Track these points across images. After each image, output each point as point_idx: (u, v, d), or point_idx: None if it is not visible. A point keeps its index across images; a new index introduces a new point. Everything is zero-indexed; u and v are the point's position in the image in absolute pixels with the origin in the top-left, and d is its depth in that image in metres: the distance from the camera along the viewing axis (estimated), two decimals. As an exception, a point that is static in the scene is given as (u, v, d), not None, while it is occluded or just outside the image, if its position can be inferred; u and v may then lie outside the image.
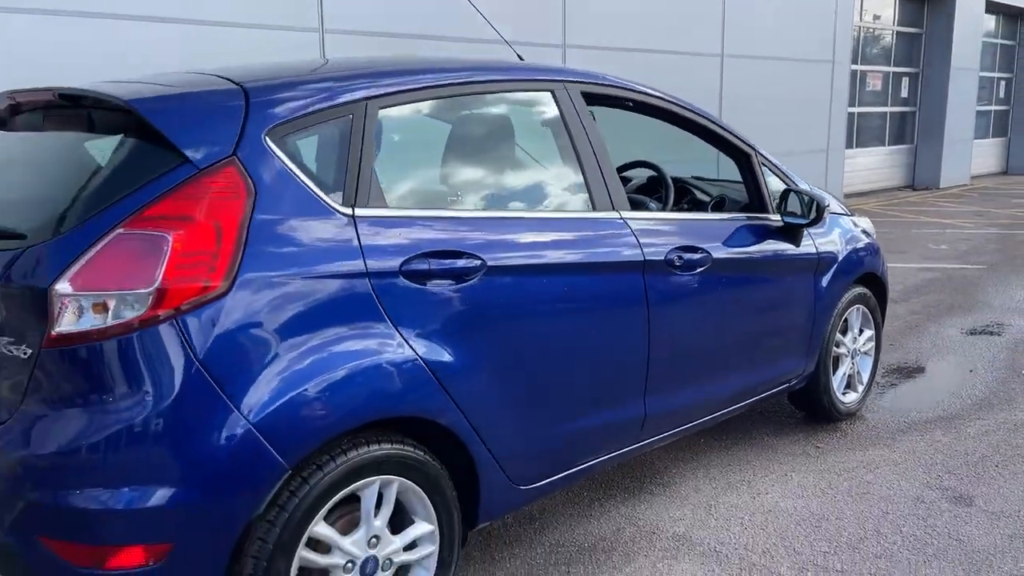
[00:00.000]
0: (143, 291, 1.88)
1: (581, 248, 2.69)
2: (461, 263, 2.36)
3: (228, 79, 2.26)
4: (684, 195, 3.79)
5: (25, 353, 1.92)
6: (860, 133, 14.68)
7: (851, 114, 13.67)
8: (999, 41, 18.27)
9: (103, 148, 2.16)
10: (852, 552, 2.87)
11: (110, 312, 1.88)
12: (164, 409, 1.89)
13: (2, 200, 2.25)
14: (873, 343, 4.25)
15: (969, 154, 16.69)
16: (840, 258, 3.84)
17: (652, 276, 2.87)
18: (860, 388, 4.20)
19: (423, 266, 2.28)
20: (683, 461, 3.65)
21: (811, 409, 4.04)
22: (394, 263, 2.23)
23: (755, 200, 3.55)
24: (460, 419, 2.36)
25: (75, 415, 1.89)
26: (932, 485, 3.38)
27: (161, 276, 1.89)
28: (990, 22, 17.54)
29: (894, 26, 15.07)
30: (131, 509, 1.87)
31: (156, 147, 2.03)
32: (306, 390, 2.03)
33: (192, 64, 5.97)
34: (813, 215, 3.43)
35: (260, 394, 1.97)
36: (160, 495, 1.88)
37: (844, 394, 4.09)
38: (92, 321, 1.88)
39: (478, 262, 2.39)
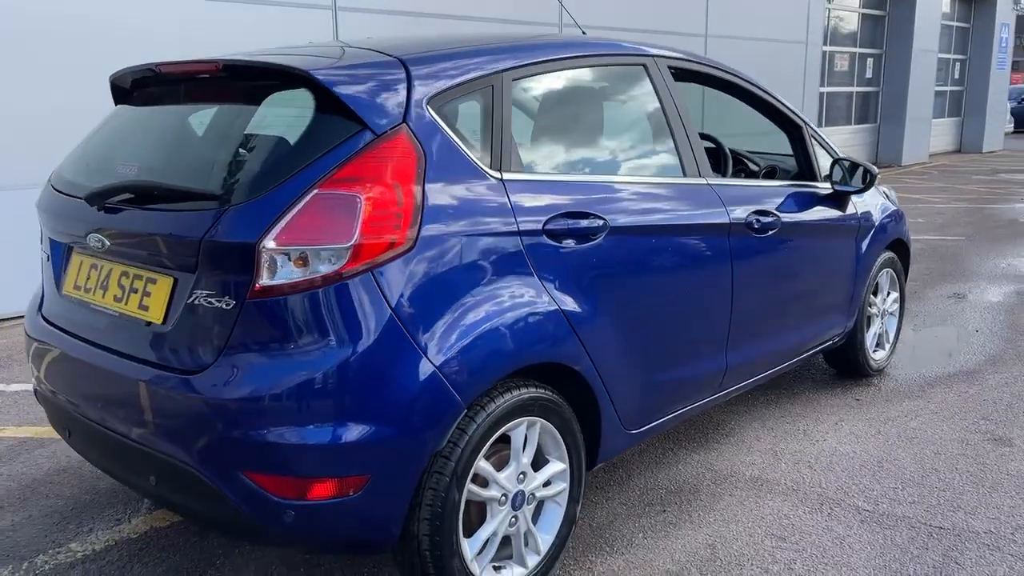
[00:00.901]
0: (342, 246, 2.04)
1: (680, 211, 2.92)
2: (588, 223, 2.56)
3: (380, 51, 2.43)
4: (736, 165, 4.03)
5: (228, 304, 2.08)
6: (828, 112, 15.14)
7: (820, 94, 14.10)
8: (955, 24, 18.90)
9: (273, 115, 2.31)
10: (918, 487, 3.16)
11: (310, 265, 2.05)
12: (363, 353, 2.06)
13: (179, 165, 2.38)
14: (898, 304, 4.57)
15: (928, 133, 17.32)
16: (876, 224, 4.13)
17: (735, 237, 3.11)
18: (887, 346, 4.51)
19: (560, 225, 2.48)
20: (738, 414, 3.91)
21: (845, 365, 4.33)
22: (538, 223, 2.42)
23: (805, 169, 3.80)
24: (590, 366, 2.57)
25: (280, 360, 2.06)
26: (971, 429, 3.69)
27: (358, 232, 2.05)
28: (946, 5, 18.14)
29: (860, 8, 15.53)
30: (336, 444, 2.04)
31: (333, 114, 2.19)
32: (478, 337, 2.22)
33: (208, 40, 6.06)
34: (863, 184, 3.70)
35: (441, 340, 2.16)
36: (361, 431, 2.06)
37: (875, 351, 4.39)
38: (293, 274, 2.04)
39: (601, 222, 2.59)
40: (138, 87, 2.72)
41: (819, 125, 14.37)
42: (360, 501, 2.10)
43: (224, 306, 2.09)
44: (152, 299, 2.25)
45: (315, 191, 2.07)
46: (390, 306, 2.09)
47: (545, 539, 2.55)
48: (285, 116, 2.29)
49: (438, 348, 2.15)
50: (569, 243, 2.51)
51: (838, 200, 3.81)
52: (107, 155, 2.59)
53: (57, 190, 2.62)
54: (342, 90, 2.18)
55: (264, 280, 2.04)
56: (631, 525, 2.93)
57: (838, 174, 3.77)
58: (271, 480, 2.07)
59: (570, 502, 2.61)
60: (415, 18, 7.50)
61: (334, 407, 2.05)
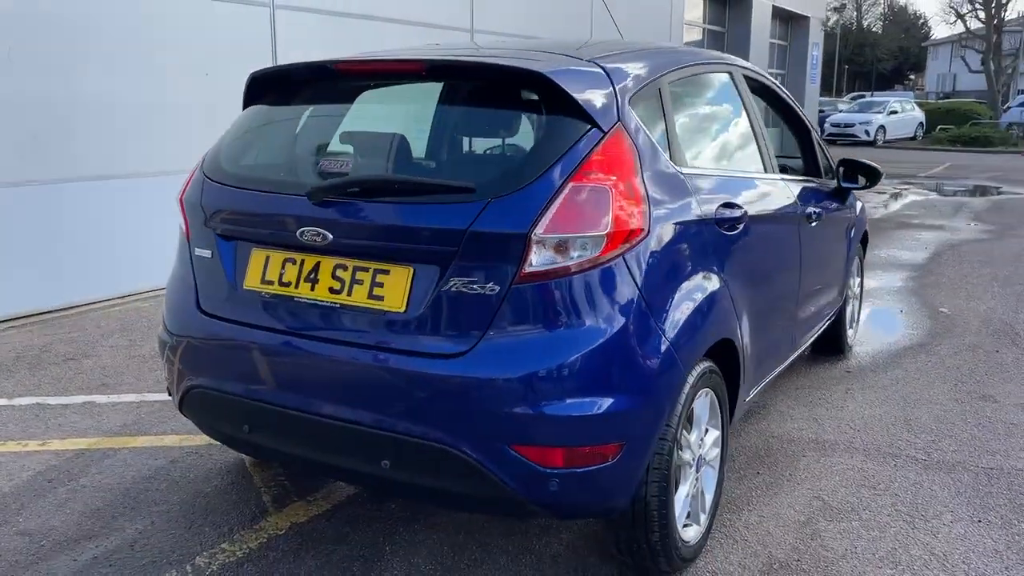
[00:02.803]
0: (599, 234, 2.23)
1: (776, 202, 3.29)
2: (733, 212, 2.85)
3: (567, 55, 2.61)
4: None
5: (492, 290, 2.20)
6: (680, 120, 16.19)
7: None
8: (776, 41, 20.72)
9: (496, 113, 2.44)
10: (951, 439, 3.69)
11: (569, 252, 2.21)
12: (619, 331, 2.25)
13: (406, 161, 2.45)
14: (859, 288, 5.19)
15: (761, 140, 18.87)
16: (858, 216, 4.71)
17: (800, 225, 3.52)
18: (855, 324, 5.12)
19: (724, 214, 2.76)
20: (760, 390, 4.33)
21: (827, 342, 4.85)
22: (711, 211, 2.69)
23: (812, 168, 4.28)
24: (740, 340, 2.87)
25: (545, 338, 2.20)
26: (957, 390, 4.31)
27: (611, 221, 2.25)
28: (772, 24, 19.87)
29: (704, 24, 16.75)
30: (600, 414, 2.22)
31: (565, 114, 2.35)
32: (691, 315, 2.46)
33: (144, 37, 5.87)
34: (868, 182, 4.24)
35: (670, 318, 2.39)
36: (619, 402, 2.25)
37: (849, 328, 4.97)
38: (555, 260, 2.20)
39: (742, 211, 2.90)
40: (291, 84, 2.74)
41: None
42: (613, 466, 2.29)
43: (487, 292, 2.21)
44: (387, 289, 2.32)
45: (571, 184, 2.24)
46: (637, 287, 2.30)
47: (708, 498, 2.83)
48: (510, 115, 2.43)
49: (668, 326, 2.38)
50: (727, 229, 2.79)
51: (843, 195, 4.32)
52: (296, 152, 2.60)
53: (229, 185, 2.59)
54: (575, 92, 2.35)
55: (530, 267, 2.19)
56: (739, 487, 3.25)
57: (847, 172, 4.27)
58: (540, 452, 2.22)
59: (721, 465, 2.90)
60: (354, 20, 7.50)
61: (597, 380, 2.23)
